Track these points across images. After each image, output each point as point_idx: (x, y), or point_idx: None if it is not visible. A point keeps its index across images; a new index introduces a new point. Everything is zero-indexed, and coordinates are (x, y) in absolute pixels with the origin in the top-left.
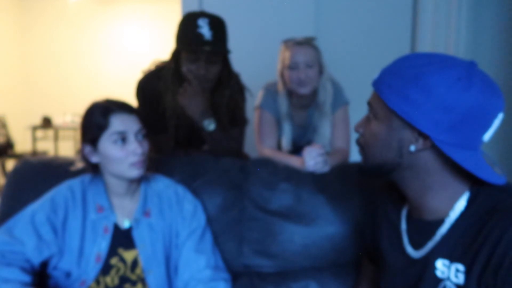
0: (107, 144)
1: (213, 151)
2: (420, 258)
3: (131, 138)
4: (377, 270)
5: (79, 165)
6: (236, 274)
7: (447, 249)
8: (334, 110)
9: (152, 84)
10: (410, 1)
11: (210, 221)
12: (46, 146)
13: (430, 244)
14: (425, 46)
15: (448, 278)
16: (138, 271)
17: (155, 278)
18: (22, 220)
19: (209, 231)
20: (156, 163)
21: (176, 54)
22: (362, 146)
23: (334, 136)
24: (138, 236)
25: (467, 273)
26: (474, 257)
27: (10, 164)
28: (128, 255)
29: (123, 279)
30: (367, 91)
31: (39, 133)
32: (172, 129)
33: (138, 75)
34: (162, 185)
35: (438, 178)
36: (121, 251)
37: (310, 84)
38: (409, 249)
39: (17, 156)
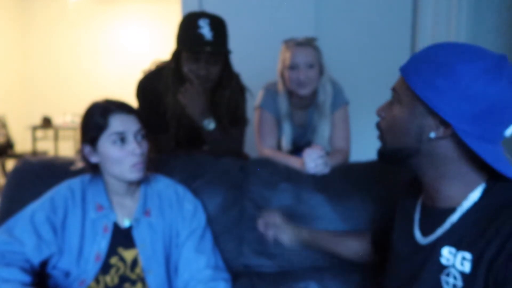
0: (106, 144)
1: (213, 151)
2: (427, 245)
3: (130, 138)
4: (380, 266)
5: (79, 165)
6: (236, 274)
7: (455, 237)
8: (334, 110)
9: (153, 84)
10: (410, 1)
11: (210, 221)
12: (46, 146)
13: (439, 231)
14: (425, 45)
15: (453, 266)
16: (138, 270)
17: (155, 278)
18: (21, 220)
19: (209, 231)
20: (156, 163)
21: (176, 54)
22: (382, 130)
23: (334, 136)
24: (138, 235)
25: (475, 262)
26: (485, 247)
27: (10, 164)
28: (128, 255)
29: (123, 279)
30: (367, 91)
31: (39, 133)
32: (173, 129)
33: (138, 75)
34: (162, 184)
35: (455, 167)
36: (121, 250)
37: (310, 85)
38: (418, 235)
39: (17, 156)
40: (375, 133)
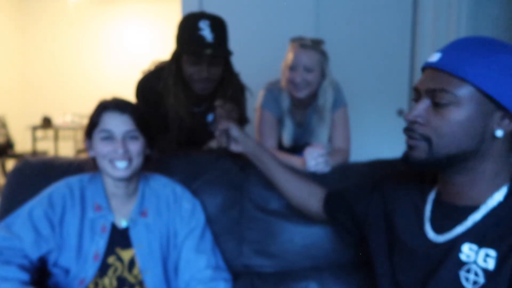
0: (97, 140)
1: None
2: (444, 242)
3: (117, 137)
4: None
5: (85, 155)
6: (236, 274)
7: (477, 235)
8: (334, 110)
9: (152, 84)
10: (410, 1)
11: (210, 221)
12: (46, 146)
13: (459, 229)
14: (425, 46)
15: (475, 262)
16: (135, 271)
17: (152, 278)
18: (20, 216)
19: (209, 231)
20: (156, 163)
21: (177, 56)
22: (429, 138)
23: (334, 137)
24: (135, 236)
25: (500, 260)
26: None
27: (10, 164)
28: (125, 254)
29: (121, 281)
30: (367, 91)
31: (39, 133)
32: (175, 131)
33: (138, 75)
34: (160, 184)
35: (494, 166)
36: (118, 250)
37: (306, 88)
38: (431, 233)
39: (17, 156)
40: (374, 133)
